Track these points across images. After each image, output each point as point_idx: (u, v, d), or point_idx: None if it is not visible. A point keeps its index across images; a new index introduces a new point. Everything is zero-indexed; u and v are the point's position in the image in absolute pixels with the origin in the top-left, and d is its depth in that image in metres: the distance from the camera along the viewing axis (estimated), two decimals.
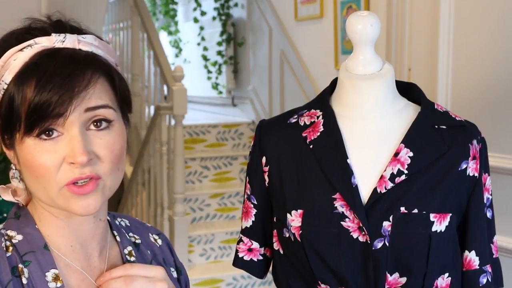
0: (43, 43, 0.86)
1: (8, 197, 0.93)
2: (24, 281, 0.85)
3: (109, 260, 0.95)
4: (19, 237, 0.89)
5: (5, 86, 0.85)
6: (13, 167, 0.90)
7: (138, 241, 1.02)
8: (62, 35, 0.87)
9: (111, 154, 0.86)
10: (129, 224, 1.04)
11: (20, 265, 0.86)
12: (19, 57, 0.85)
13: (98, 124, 0.86)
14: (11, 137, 0.86)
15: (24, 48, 0.85)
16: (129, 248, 0.99)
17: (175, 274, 1.05)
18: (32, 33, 0.87)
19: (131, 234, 1.02)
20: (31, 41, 0.86)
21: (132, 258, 0.97)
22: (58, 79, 0.82)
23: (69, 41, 0.87)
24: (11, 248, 0.87)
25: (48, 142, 0.83)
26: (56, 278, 0.86)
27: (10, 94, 0.84)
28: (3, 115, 0.85)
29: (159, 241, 1.06)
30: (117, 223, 1.02)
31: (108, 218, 0.99)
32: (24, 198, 0.93)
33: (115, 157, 0.87)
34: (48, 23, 0.89)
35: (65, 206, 0.86)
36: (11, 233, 0.89)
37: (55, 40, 0.86)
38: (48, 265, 0.87)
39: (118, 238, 0.98)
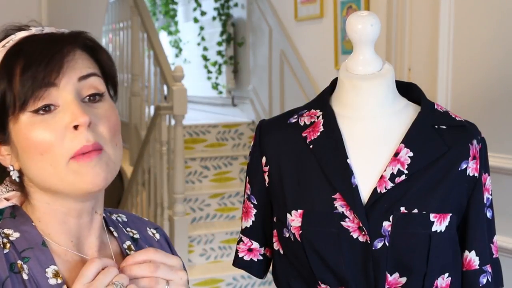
0: (22, 35, 0.88)
1: (2, 204, 0.93)
2: (25, 277, 0.85)
3: (108, 255, 0.95)
4: (16, 235, 0.89)
5: None
6: (12, 168, 0.89)
7: (136, 236, 1.02)
8: (40, 28, 0.90)
9: (108, 123, 0.88)
10: (126, 220, 1.05)
11: (19, 262, 0.86)
12: (1, 51, 0.87)
13: (92, 98, 0.88)
14: (5, 128, 0.86)
15: (5, 43, 0.88)
16: (128, 242, 0.99)
17: None
18: (10, 32, 0.90)
19: (128, 229, 1.02)
20: (11, 36, 0.88)
21: (132, 252, 0.97)
22: (46, 52, 0.84)
23: (47, 30, 0.90)
24: (8, 245, 0.87)
25: (47, 116, 0.84)
26: (56, 275, 0.86)
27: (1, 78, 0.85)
28: None
29: (157, 235, 1.06)
30: (114, 218, 1.03)
31: (104, 215, 0.99)
32: (17, 200, 0.93)
33: (113, 127, 0.88)
34: (23, 25, 0.92)
35: (74, 182, 0.85)
36: (8, 231, 0.89)
37: (34, 30, 0.89)
38: (48, 261, 0.87)
39: (115, 234, 0.99)
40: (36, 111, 0.84)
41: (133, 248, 0.98)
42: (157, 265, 0.87)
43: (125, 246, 0.98)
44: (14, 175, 0.89)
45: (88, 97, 0.87)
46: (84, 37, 0.90)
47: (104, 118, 0.87)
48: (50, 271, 0.86)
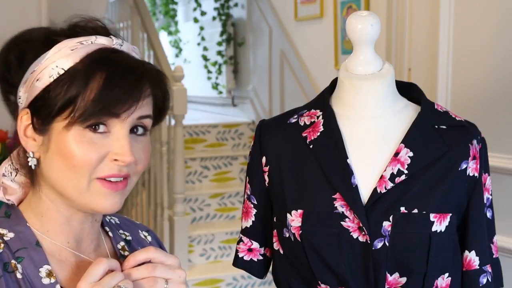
0: (103, 42, 0.89)
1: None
2: (19, 276, 0.85)
3: (102, 254, 0.97)
4: (11, 235, 0.89)
5: (61, 71, 0.86)
6: (31, 155, 0.89)
7: (128, 238, 1.03)
8: (120, 39, 0.91)
9: (145, 159, 0.91)
10: (118, 222, 1.06)
11: (13, 261, 0.86)
12: (78, 48, 0.87)
13: (136, 130, 0.90)
14: (49, 122, 0.87)
15: (83, 41, 0.88)
16: (122, 243, 1.00)
17: None
18: (86, 30, 0.91)
19: (121, 231, 1.04)
20: (92, 37, 0.89)
21: (126, 253, 0.99)
22: (127, 81, 0.85)
23: (125, 47, 0.91)
24: (2, 245, 0.88)
25: (96, 135, 0.86)
26: (49, 274, 0.87)
27: (72, 79, 0.85)
28: (52, 98, 0.86)
29: (149, 238, 1.08)
30: (107, 220, 1.04)
31: None
32: (16, 197, 0.94)
33: (146, 161, 0.91)
34: (97, 24, 0.93)
35: (90, 201, 0.88)
36: (2, 231, 0.90)
37: (114, 43, 0.90)
38: (41, 261, 0.88)
39: (110, 234, 1.00)
40: (88, 126, 0.85)
41: (126, 248, 1.00)
42: (155, 265, 0.89)
43: (119, 246, 0.99)
44: (32, 162, 0.90)
45: (135, 129, 0.90)
46: (160, 79, 0.92)
47: (144, 153, 0.90)
48: (43, 270, 0.87)
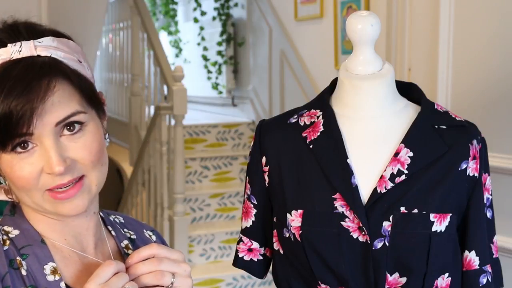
0: (1, 55, 0.84)
1: (2, 197, 0.94)
2: (24, 272, 0.86)
3: (105, 251, 0.96)
4: (16, 232, 0.90)
5: None
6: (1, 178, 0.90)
7: (133, 236, 1.03)
8: (18, 44, 0.85)
9: (89, 155, 0.87)
10: (123, 221, 1.06)
11: (18, 258, 0.87)
12: None
13: (71, 127, 0.86)
14: None
15: None
16: (125, 242, 1.00)
17: None
18: None
19: (125, 230, 1.03)
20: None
21: (130, 251, 0.99)
22: (15, 93, 0.81)
23: (25, 49, 0.85)
24: (8, 242, 0.88)
25: (25, 154, 0.84)
26: (54, 271, 0.87)
27: None
28: None
29: (153, 237, 1.08)
30: (112, 219, 1.03)
31: (102, 215, 1.00)
32: (15, 197, 0.94)
33: (94, 156, 0.88)
34: (3, 30, 0.87)
35: (52, 210, 0.88)
36: (7, 228, 0.90)
37: (11, 51, 0.84)
38: (46, 258, 0.88)
39: (113, 233, 1.00)
40: (13, 150, 0.84)
41: (130, 247, 0.99)
42: (161, 259, 0.88)
43: (122, 245, 0.99)
44: (1, 179, 0.90)
45: (67, 128, 0.86)
46: (59, 67, 0.86)
47: (84, 151, 0.87)
48: (48, 267, 0.87)
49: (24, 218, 0.92)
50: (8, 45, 0.85)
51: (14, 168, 0.84)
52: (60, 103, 0.84)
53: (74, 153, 0.86)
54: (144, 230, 1.07)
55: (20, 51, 0.85)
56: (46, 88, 0.83)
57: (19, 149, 0.84)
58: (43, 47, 0.86)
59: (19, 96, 0.81)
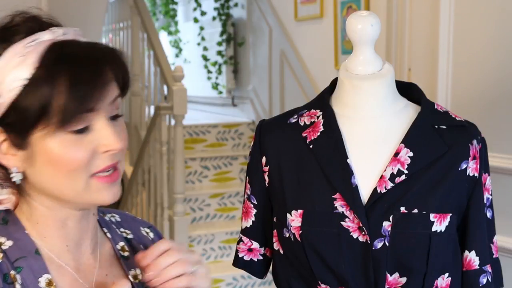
0: (47, 37, 0.85)
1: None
2: (18, 287, 0.84)
3: (101, 257, 0.95)
4: (9, 243, 0.87)
5: (24, 82, 0.82)
6: (15, 170, 0.86)
7: (129, 236, 1.02)
8: (60, 29, 0.87)
9: (125, 142, 0.89)
10: (119, 219, 1.04)
11: (12, 272, 0.84)
12: (28, 52, 0.84)
13: (114, 117, 0.89)
14: (27, 135, 0.84)
15: (28, 44, 0.84)
16: (121, 243, 0.99)
17: None
18: (22, 29, 0.86)
19: (122, 229, 1.02)
20: (35, 36, 0.85)
21: (126, 253, 0.98)
22: (90, 74, 0.83)
23: (69, 34, 0.88)
24: (1, 255, 0.86)
25: (80, 136, 0.84)
26: (49, 284, 0.86)
27: (38, 87, 0.82)
28: (22, 111, 0.83)
29: (151, 234, 1.07)
30: (107, 219, 1.02)
31: (97, 216, 0.99)
32: (11, 203, 0.91)
33: (125, 144, 0.90)
34: (33, 19, 0.88)
35: (91, 198, 0.87)
36: (0, 239, 0.87)
37: (57, 34, 0.86)
38: (41, 270, 0.86)
39: (108, 235, 0.98)
40: (72, 131, 0.84)
41: (126, 249, 0.98)
42: (184, 260, 0.88)
43: (118, 247, 0.98)
44: (17, 177, 0.87)
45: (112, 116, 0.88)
46: (119, 58, 0.89)
47: (121, 135, 0.89)
48: (43, 280, 0.85)
49: (19, 226, 0.89)
50: (51, 28, 0.87)
51: (69, 148, 0.83)
52: (113, 87, 0.87)
53: (120, 136, 0.88)
54: (141, 228, 1.06)
55: (65, 34, 0.87)
56: (111, 74, 0.86)
57: (76, 129, 0.84)
58: (80, 35, 0.89)
59: (92, 77, 0.83)
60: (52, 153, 0.84)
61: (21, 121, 0.83)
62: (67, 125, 0.83)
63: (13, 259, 0.86)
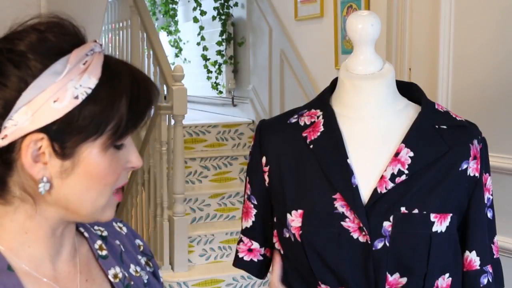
0: (97, 48, 0.85)
1: None
2: None
3: (80, 262, 0.93)
4: None
5: (88, 91, 0.80)
6: (45, 179, 0.81)
7: (104, 233, 1.00)
8: (98, 43, 0.87)
9: None
10: None
11: None
12: (89, 61, 0.82)
13: None
14: (77, 145, 0.81)
15: (87, 52, 0.83)
16: (99, 242, 0.97)
17: (143, 261, 1.04)
18: (75, 35, 0.85)
19: (96, 227, 1.00)
20: (90, 45, 0.84)
21: (104, 252, 0.96)
22: (145, 92, 0.85)
23: (99, 48, 0.87)
24: None
25: (118, 151, 0.86)
26: None
27: (101, 99, 0.81)
28: (80, 120, 0.80)
29: (124, 229, 1.05)
30: None
31: None
32: None
33: None
34: (74, 27, 0.87)
35: (100, 214, 0.87)
36: None
37: (100, 48, 0.86)
38: (15, 286, 0.82)
39: (86, 234, 0.97)
40: (115, 146, 0.85)
41: (104, 247, 0.97)
42: None
43: (96, 246, 0.96)
44: (45, 187, 0.82)
45: None
46: (156, 87, 0.90)
47: None
48: None
49: None
50: (95, 40, 0.87)
51: (111, 162, 0.84)
52: None
53: None
54: (114, 223, 1.04)
55: (103, 50, 0.87)
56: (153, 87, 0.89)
57: (119, 144, 0.85)
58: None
59: (149, 98, 0.87)
60: (95, 166, 0.83)
61: (74, 131, 0.80)
62: (118, 140, 0.84)
63: None
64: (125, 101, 0.82)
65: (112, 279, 0.94)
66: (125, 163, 0.87)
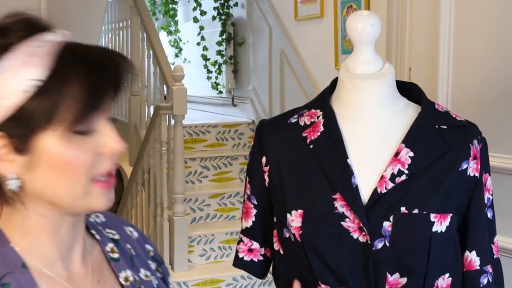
0: (55, 38, 0.84)
1: None
2: None
3: (92, 263, 0.93)
4: None
5: (37, 83, 0.79)
6: (14, 176, 0.82)
7: (116, 236, 1.00)
8: (60, 31, 0.85)
9: (122, 146, 0.88)
10: (104, 220, 1.02)
11: None
12: (39, 52, 0.81)
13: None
14: (33, 139, 0.81)
15: (38, 45, 0.82)
16: (110, 245, 0.97)
17: (153, 266, 1.04)
18: (26, 29, 0.84)
19: (108, 230, 1.00)
20: (42, 36, 0.83)
21: (116, 255, 0.96)
22: (102, 79, 0.82)
23: (69, 36, 0.86)
24: None
25: (84, 137, 0.83)
26: None
27: (51, 89, 0.80)
28: (32, 114, 0.80)
29: (135, 234, 1.05)
30: (92, 220, 1.00)
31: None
32: None
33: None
34: (24, 21, 0.86)
35: (87, 204, 0.85)
36: None
37: (61, 37, 0.85)
38: (28, 284, 0.82)
39: (98, 237, 0.96)
40: (78, 132, 0.82)
41: (115, 250, 0.97)
42: None
43: (107, 249, 0.96)
44: (15, 184, 0.83)
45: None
46: (126, 62, 0.87)
47: (119, 139, 0.87)
48: None
49: (3, 239, 0.85)
50: (54, 30, 0.85)
51: (75, 150, 0.82)
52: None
53: None
54: (125, 227, 1.04)
55: (67, 35, 0.86)
56: (118, 72, 0.86)
57: (82, 130, 0.82)
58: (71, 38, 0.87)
59: (109, 77, 0.83)
60: (58, 156, 0.82)
61: (27, 125, 0.80)
62: (75, 127, 0.81)
63: (0, 275, 0.82)
64: (79, 87, 0.80)
65: (123, 282, 0.94)
66: (100, 148, 0.84)
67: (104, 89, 0.82)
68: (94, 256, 0.94)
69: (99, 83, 0.82)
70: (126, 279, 0.95)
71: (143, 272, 0.99)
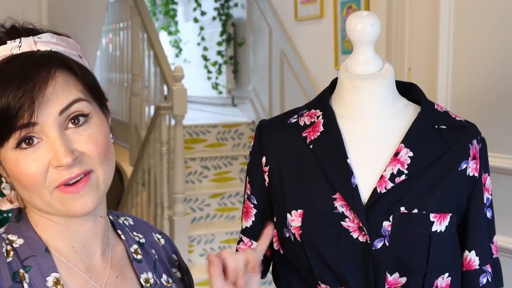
0: (1, 52, 0.84)
1: (7, 206, 0.92)
2: (26, 286, 0.84)
3: (113, 258, 0.94)
4: (20, 241, 0.88)
5: None
6: (4, 180, 0.88)
7: (142, 240, 1.01)
8: (18, 40, 0.84)
9: (96, 147, 0.85)
10: (132, 223, 1.04)
11: (21, 271, 0.85)
12: None
13: (76, 121, 0.85)
14: None
15: None
16: (135, 246, 0.98)
17: (178, 274, 1.05)
18: None
19: (135, 233, 1.01)
20: None
21: (139, 256, 0.97)
22: (13, 86, 0.80)
23: (25, 45, 0.85)
24: (12, 253, 0.86)
25: (30, 150, 0.82)
26: (56, 283, 0.85)
27: None
28: None
29: (162, 241, 1.06)
30: (121, 222, 1.01)
31: (111, 218, 0.99)
32: (21, 203, 0.92)
33: (101, 148, 0.86)
34: (2, 31, 0.87)
35: (63, 209, 0.85)
36: (12, 237, 0.88)
37: (11, 47, 0.84)
38: (49, 269, 0.86)
39: (123, 237, 0.98)
40: (18, 146, 0.82)
41: (139, 252, 0.98)
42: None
43: (131, 249, 0.97)
44: (7, 187, 0.88)
45: (72, 121, 0.85)
46: (59, 58, 0.85)
47: (90, 143, 0.85)
48: (50, 279, 0.85)
49: (29, 225, 0.90)
50: (8, 42, 0.84)
51: (20, 165, 0.82)
52: (63, 91, 0.84)
53: (81, 146, 0.84)
54: (153, 233, 1.06)
55: (20, 46, 0.84)
56: (45, 78, 0.82)
57: (24, 145, 0.82)
58: (43, 43, 0.86)
59: (18, 88, 0.80)
60: (12, 170, 0.84)
61: None
62: (7, 143, 0.82)
63: (23, 258, 0.86)
64: None
65: (143, 283, 0.95)
66: (51, 161, 0.83)
67: (9, 100, 0.80)
68: (116, 253, 0.96)
69: (7, 98, 0.80)
70: (147, 281, 0.95)
71: (164, 278, 1.00)
